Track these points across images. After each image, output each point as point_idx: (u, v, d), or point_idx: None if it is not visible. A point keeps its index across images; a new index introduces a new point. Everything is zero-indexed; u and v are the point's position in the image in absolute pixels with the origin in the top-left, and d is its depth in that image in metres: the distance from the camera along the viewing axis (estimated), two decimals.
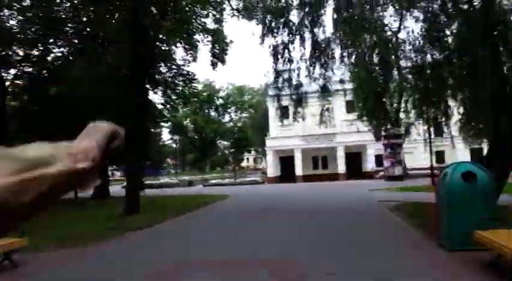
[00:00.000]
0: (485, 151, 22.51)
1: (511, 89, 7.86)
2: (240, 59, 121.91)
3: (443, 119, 11.09)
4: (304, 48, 10.99)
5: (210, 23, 16.05)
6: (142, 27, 12.34)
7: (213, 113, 76.80)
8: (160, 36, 15.09)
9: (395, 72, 13.81)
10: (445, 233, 5.72)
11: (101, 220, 11.04)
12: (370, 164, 36.93)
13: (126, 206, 12.72)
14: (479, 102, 9.70)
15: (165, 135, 76.76)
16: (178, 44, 17.12)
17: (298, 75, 11.33)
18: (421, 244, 6.44)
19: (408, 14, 10.51)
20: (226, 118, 79.27)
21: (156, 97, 20.88)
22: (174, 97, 19.75)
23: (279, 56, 10.96)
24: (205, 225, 10.08)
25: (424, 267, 5.04)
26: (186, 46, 16.94)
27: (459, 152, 31.57)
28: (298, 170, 37.54)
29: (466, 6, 9.47)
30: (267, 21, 10.74)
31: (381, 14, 11.23)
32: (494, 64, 8.67)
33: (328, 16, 10.62)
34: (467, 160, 27.89)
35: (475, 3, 9.80)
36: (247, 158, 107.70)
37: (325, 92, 11.92)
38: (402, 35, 11.22)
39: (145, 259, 6.18)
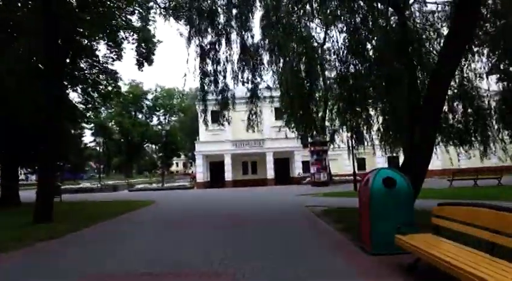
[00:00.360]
0: (401, 159, 24.30)
1: (424, 102, 8.40)
2: (171, 62, 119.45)
3: (365, 128, 11.65)
4: (231, 50, 10.90)
5: (136, 21, 15.33)
6: (56, 17, 11.29)
7: (140, 116, 74.03)
8: (81, 30, 14.03)
9: (321, 81, 14.30)
10: (367, 237, 5.86)
11: (5, 229, 9.80)
12: (297, 170, 38.03)
13: (36, 213, 11.54)
14: (396, 113, 10.34)
15: (88, 138, 72.39)
16: (102, 41, 16.08)
17: (224, 77, 11.19)
18: (345, 248, 6.55)
19: (333, 26, 10.91)
20: (155, 121, 76.97)
21: (76, 96, 19.44)
22: (95, 95, 18.47)
23: (206, 59, 10.72)
24: (125, 234, 9.38)
25: (346, 271, 5.09)
26: (110, 43, 15.95)
27: (379, 160, 33.84)
28: (228, 175, 37.46)
29: (384, 24, 10.07)
30: (194, 22, 10.43)
31: (308, 24, 11.54)
32: (409, 78, 9.29)
33: (256, 21, 10.65)
34: (385, 166, 29.88)
35: (392, 22, 10.50)
36: (177, 163, 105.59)
37: (253, 96, 11.92)
38: (328, 44, 11.65)
39: (54, 273, 5.50)
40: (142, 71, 16.66)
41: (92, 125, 59.79)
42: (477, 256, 3.67)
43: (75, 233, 9.59)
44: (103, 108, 41.67)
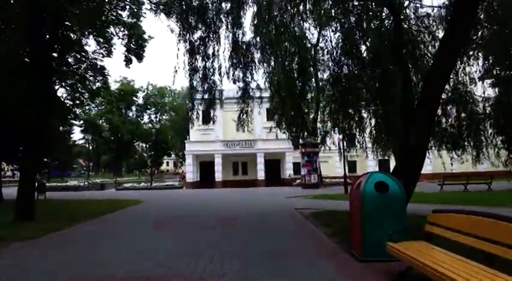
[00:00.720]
0: (391, 162, 24.27)
1: (418, 105, 8.26)
2: (164, 61, 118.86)
3: (357, 130, 11.48)
4: (221, 46, 10.67)
5: (127, 17, 14.96)
6: (43, 10, 10.94)
7: (131, 114, 73.30)
8: (69, 24, 13.65)
9: (313, 82, 14.12)
10: (358, 243, 5.66)
11: None
12: (288, 172, 37.87)
13: (17, 212, 11.18)
14: (389, 115, 10.19)
15: (78, 135, 71.59)
16: (91, 36, 15.70)
17: (213, 74, 10.95)
18: (334, 253, 6.35)
19: (327, 26, 10.74)
20: (146, 119, 76.31)
21: (63, 91, 18.98)
22: (83, 92, 18.05)
23: (195, 54, 10.47)
24: (107, 235, 9.08)
25: (334, 278, 4.89)
26: (99, 38, 15.56)
27: (370, 163, 33.89)
28: (218, 176, 37.17)
29: (379, 25, 9.93)
30: (183, 17, 10.16)
31: (301, 23, 11.34)
32: (403, 80, 9.14)
33: (248, 18, 10.43)
34: (376, 170, 29.91)
35: (386, 24, 10.36)
36: (167, 162, 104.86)
37: (244, 95, 11.71)
38: (321, 44, 11.46)
39: (27, 276, 5.19)
40: (129, 68, 16.33)
41: (82, 122, 59.14)
42: (473, 267, 3.47)
43: (57, 233, 9.30)
44: (93, 105, 41.16)
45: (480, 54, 11.00)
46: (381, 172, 6.21)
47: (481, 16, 9.74)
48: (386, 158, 15.42)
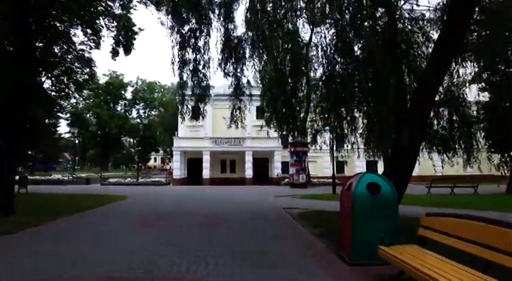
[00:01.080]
0: (379, 164, 24.28)
1: (412, 105, 8.15)
2: (154, 56, 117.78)
3: (349, 130, 11.34)
4: (210, 38, 10.44)
5: (117, 8, 14.58)
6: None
7: (119, 108, 72.32)
8: (54, 12, 13.25)
9: (304, 81, 13.95)
10: (347, 245, 5.48)
11: None
12: (276, 171, 37.72)
13: None
14: (381, 115, 10.07)
15: (63, 128, 70.48)
16: (79, 27, 15.27)
17: (203, 67, 10.71)
18: (323, 255, 6.17)
19: (321, 23, 10.58)
20: (134, 114, 75.43)
21: (49, 83, 18.47)
22: (69, 82, 17.57)
23: (186, 47, 10.23)
24: (90, 231, 8.78)
25: None
26: (88, 30, 15.14)
27: (358, 164, 33.94)
28: (206, 173, 36.85)
29: (373, 22, 9.80)
30: (176, 10, 9.90)
31: (294, 20, 11.14)
32: (396, 80, 9.03)
33: (240, 13, 10.24)
34: (364, 171, 29.90)
35: (381, 23, 10.24)
36: (155, 158, 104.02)
37: (236, 90, 11.50)
38: (314, 41, 11.32)
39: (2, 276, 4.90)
40: (115, 60, 15.93)
41: (68, 115, 58.18)
42: (468, 273, 3.32)
43: (36, 228, 8.98)
44: (80, 98, 40.46)
45: (472, 57, 10.95)
46: (373, 172, 6.03)
47: (477, 17, 9.67)
48: (376, 159, 15.31)
